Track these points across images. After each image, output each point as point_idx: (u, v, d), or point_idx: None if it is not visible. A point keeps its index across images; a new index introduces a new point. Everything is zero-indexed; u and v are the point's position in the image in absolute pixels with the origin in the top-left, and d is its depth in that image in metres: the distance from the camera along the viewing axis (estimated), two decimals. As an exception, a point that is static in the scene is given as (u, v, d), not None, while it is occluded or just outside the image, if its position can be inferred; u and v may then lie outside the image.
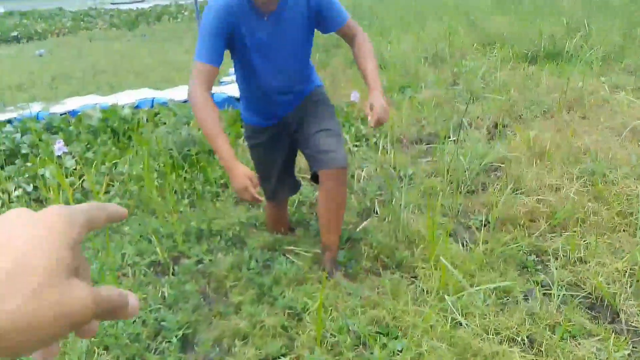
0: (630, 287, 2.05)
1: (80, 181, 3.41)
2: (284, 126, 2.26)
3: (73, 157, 3.61)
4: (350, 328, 1.92)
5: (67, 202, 3.14)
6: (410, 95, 4.77)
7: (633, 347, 1.80)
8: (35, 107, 4.62)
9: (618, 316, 1.95)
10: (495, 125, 3.91)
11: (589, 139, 3.31)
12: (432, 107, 4.33)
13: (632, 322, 1.91)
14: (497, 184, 2.97)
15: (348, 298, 2.07)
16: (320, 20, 2.01)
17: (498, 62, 5.51)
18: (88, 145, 3.79)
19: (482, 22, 7.81)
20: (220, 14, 1.84)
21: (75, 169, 3.52)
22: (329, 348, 1.85)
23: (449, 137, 3.60)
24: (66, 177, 3.29)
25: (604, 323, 1.93)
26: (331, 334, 1.87)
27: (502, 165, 3.18)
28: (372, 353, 1.76)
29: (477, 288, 2.00)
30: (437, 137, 3.82)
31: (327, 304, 2.03)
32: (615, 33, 6.16)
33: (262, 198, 2.00)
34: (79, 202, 3.20)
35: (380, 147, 3.63)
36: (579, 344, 1.80)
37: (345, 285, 2.14)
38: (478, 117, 4.08)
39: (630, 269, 2.13)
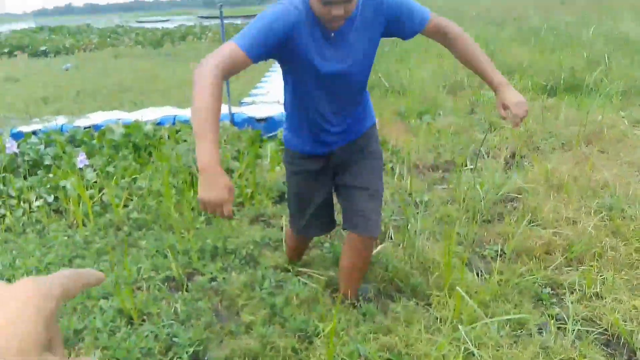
0: (647, 325, 2.02)
1: (100, 194, 3.47)
2: (330, 160, 2.01)
3: (94, 170, 3.69)
4: (361, 353, 1.91)
5: (86, 214, 3.20)
6: (428, 122, 4.80)
7: (649, 387, 1.77)
8: (60, 120, 4.74)
9: (635, 355, 1.92)
10: (513, 156, 3.91)
11: (608, 173, 3.29)
12: (449, 134, 4.34)
13: (649, 362, 1.87)
14: (513, 215, 2.96)
15: (360, 323, 2.07)
16: (399, 27, 1.75)
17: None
18: (109, 159, 3.87)
19: (501, 52, 7.86)
20: (285, 16, 1.58)
21: (95, 182, 3.58)
22: (340, 372, 1.84)
23: (466, 165, 3.61)
24: (86, 189, 3.35)
25: (619, 361, 1.90)
26: (342, 359, 1.86)
27: (519, 196, 3.17)
28: (382, 379, 1.75)
29: (492, 319, 1.99)
30: (453, 164, 3.83)
31: (339, 327, 2.02)
32: (636, 68, 6.15)
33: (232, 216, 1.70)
34: (98, 214, 3.26)
35: (397, 173, 3.65)
36: (594, 381, 1.77)
37: (359, 306, 2.13)
38: (496, 147, 4.09)
39: (648, 307, 2.10)
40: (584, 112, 4.61)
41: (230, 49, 1.52)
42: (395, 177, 3.60)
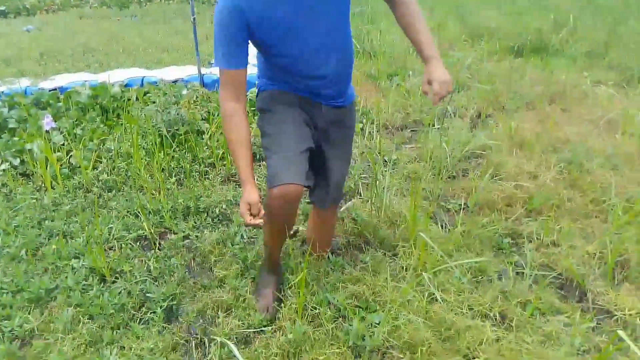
0: (598, 269, 2.16)
1: (68, 157, 3.43)
2: (313, 107, 1.87)
3: (61, 132, 3.62)
4: (330, 302, 1.99)
5: (54, 177, 3.16)
6: (398, 83, 4.83)
7: (597, 324, 1.90)
8: (24, 82, 4.60)
9: (586, 296, 2.05)
10: (479, 115, 4.00)
11: (569, 130, 3.41)
12: (418, 95, 4.39)
13: (599, 301, 2.01)
14: (477, 171, 3.06)
15: (330, 274, 2.14)
16: None
17: (485, 54, 5.60)
18: (76, 122, 3.80)
19: (471, 16, 7.88)
20: (231, 11, 1.57)
21: (63, 145, 3.53)
22: (310, 320, 1.92)
23: (434, 125, 3.68)
24: (54, 152, 3.30)
25: (572, 302, 2.02)
26: (312, 307, 1.94)
27: (483, 152, 3.27)
28: (351, 325, 1.83)
29: (455, 262, 2.09)
30: (422, 124, 3.90)
31: (309, 278, 2.09)
32: (600, 30, 6.27)
33: (260, 222, 1.67)
34: (66, 177, 3.23)
35: (366, 133, 3.69)
36: (548, 320, 1.89)
37: (329, 258, 2.20)
38: (463, 107, 4.16)
39: (600, 253, 2.23)
40: (549, 73, 4.72)
41: (224, 77, 1.67)
42: (365, 137, 3.65)
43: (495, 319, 1.92)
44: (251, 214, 1.67)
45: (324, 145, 1.94)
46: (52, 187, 3.12)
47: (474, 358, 1.73)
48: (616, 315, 1.92)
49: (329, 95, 1.87)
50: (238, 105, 1.67)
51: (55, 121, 3.61)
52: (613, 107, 3.72)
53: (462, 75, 4.85)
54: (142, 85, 4.40)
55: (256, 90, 1.93)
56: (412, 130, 3.88)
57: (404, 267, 2.20)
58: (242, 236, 2.50)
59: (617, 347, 1.69)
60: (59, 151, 3.44)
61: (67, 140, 3.52)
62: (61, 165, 3.30)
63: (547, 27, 6.35)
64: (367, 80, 5.06)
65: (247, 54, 1.66)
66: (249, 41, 1.66)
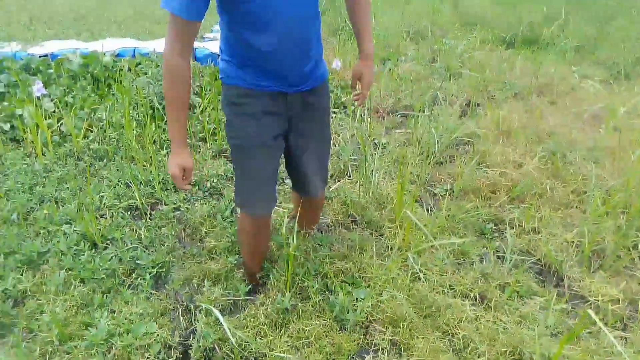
0: (575, 256, 2.25)
1: (59, 124, 3.43)
2: (284, 103, 1.72)
3: (52, 100, 3.61)
4: (318, 275, 2.05)
5: (45, 144, 3.16)
6: (390, 68, 4.87)
7: (572, 308, 1.99)
8: (13, 47, 4.54)
9: (562, 281, 2.14)
10: (468, 103, 4.06)
11: (554, 122, 3.49)
12: (410, 81, 4.44)
13: (574, 287, 2.10)
14: (464, 157, 3.13)
15: (318, 249, 2.20)
16: None
17: (477, 43, 5.65)
18: (67, 90, 3.78)
19: (465, 4, 7.91)
20: None
21: (54, 112, 3.52)
22: (298, 292, 1.98)
23: (424, 111, 3.73)
24: (44, 119, 3.29)
25: (549, 286, 2.11)
26: (301, 279, 2.00)
27: (471, 140, 3.34)
28: (336, 298, 1.90)
29: (439, 242, 2.16)
30: (412, 109, 3.95)
31: (298, 253, 2.15)
32: (590, 25, 6.35)
33: (189, 187, 1.73)
34: (57, 144, 3.23)
35: (357, 116, 3.74)
36: (525, 302, 1.98)
37: (315, 236, 2.26)
38: (453, 95, 4.22)
39: (578, 241, 2.33)
40: (538, 65, 4.79)
41: (177, 26, 1.46)
42: (356, 120, 3.69)
43: (475, 299, 2.00)
44: (184, 177, 1.67)
45: (298, 140, 1.82)
46: (43, 154, 3.12)
47: (453, 334, 1.81)
48: (590, 300, 2.02)
49: (299, 74, 1.68)
50: (184, 62, 1.52)
51: (45, 88, 3.59)
52: (598, 102, 3.80)
53: (453, 63, 4.90)
54: (133, 56, 4.38)
55: (220, 75, 1.73)
56: (402, 115, 3.93)
57: (389, 247, 2.27)
58: (232, 210, 2.54)
59: (585, 326, 1.78)
60: (49, 118, 3.43)
61: (57, 108, 3.51)
62: (52, 132, 3.30)
63: (539, 20, 6.42)
64: (359, 63, 5.08)
65: (207, 7, 1.47)
66: None
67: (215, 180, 2.85)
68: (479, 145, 3.20)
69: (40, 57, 4.21)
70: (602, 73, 4.84)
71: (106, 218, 2.53)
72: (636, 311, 1.94)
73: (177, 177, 1.64)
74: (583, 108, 3.74)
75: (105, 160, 3.09)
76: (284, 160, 1.95)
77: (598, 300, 2.00)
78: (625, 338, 1.80)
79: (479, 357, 1.70)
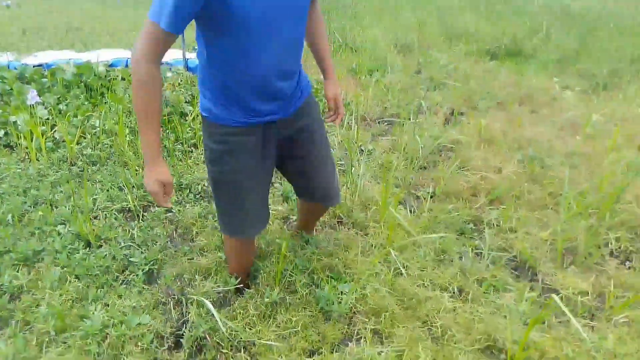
0: (549, 253, 2.36)
1: (52, 131, 3.51)
2: (274, 132, 1.70)
3: (46, 107, 3.69)
4: (305, 271, 2.15)
5: (39, 150, 3.24)
6: (377, 79, 5.01)
7: (544, 300, 2.10)
8: (6, 57, 4.63)
9: (536, 276, 2.25)
10: (452, 113, 4.20)
11: (534, 129, 3.64)
12: (396, 91, 4.58)
13: (547, 281, 2.21)
14: (447, 163, 3.25)
15: (306, 247, 2.29)
16: None
17: (462, 56, 5.83)
18: (61, 98, 3.87)
19: (451, 18, 8.13)
20: None
21: (47, 119, 3.60)
22: (286, 286, 2.07)
23: (409, 119, 3.86)
24: (38, 126, 3.37)
25: (524, 281, 2.22)
26: (290, 273, 2.09)
27: (453, 146, 3.46)
28: (322, 291, 1.99)
29: (420, 237, 2.27)
30: (398, 118, 4.08)
31: (287, 250, 2.24)
32: (572, 38, 6.56)
33: (171, 205, 1.68)
34: (51, 150, 3.31)
35: (345, 124, 3.86)
36: (500, 295, 2.08)
37: (304, 235, 2.36)
38: (437, 104, 4.36)
39: (552, 240, 2.44)
40: (521, 76, 4.96)
41: (154, 35, 1.39)
42: (344, 127, 3.81)
43: (454, 292, 2.10)
44: (165, 193, 1.56)
45: (292, 150, 1.80)
46: (37, 159, 3.20)
47: (432, 324, 1.91)
48: (561, 293, 2.12)
49: (288, 92, 1.67)
50: (156, 70, 1.44)
51: (39, 96, 3.67)
52: (577, 111, 3.96)
53: (438, 74, 5.06)
54: (126, 65, 4.48)
55: (203, 113, 1.67)
56: (388, 123, 4.06)
57: (373, 245, 2.37)
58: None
59: (551, 311, 1.89)
60: (43, 125, 3.52)
61: (51, 115, 3.59)
62: (46, 139, 3.38)
63: (523, 33, 6.62)
64: (348, 75, 5.23)
65: (185, 27, 1.42)
66: (206, 26, 1.48)
67: (206, 184, 2.94)
68: (462, 151, 3.33)
69: (34, 67, 4.31)
70: (582, 84, 5.02)
71: (99, 219, 2.61)
72: (603, 302, 2.06)
73: (158, 193, 1.53)
74: (562, 117, 3.89)
75: (98, 165, 3.17)
76: (293, 180, 1.99)
77: (569, 293, 2.11)
78: (592, 327, 1.91)
79: (455, 344, 1.80)
